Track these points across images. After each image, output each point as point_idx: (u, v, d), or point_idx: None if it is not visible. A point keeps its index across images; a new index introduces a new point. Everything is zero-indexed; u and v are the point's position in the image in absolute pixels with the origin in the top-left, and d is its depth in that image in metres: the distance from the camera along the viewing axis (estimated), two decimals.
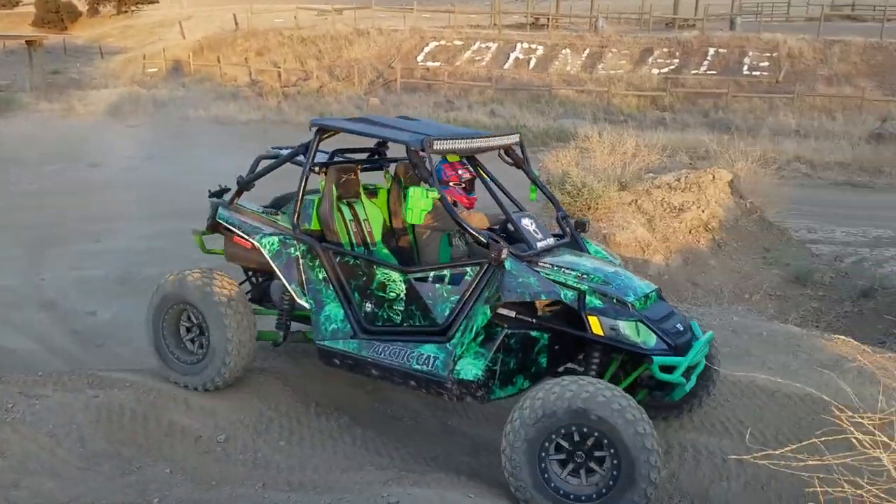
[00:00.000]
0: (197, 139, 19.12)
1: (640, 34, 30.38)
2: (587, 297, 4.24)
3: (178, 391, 5.24)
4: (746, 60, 26.67)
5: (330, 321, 4.83)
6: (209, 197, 5.60)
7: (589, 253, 4.99)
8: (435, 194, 4.30)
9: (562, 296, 4.23)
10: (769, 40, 27.29)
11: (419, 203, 4.26)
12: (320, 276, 4.85)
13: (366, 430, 5.22)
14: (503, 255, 4.23)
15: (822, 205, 13.99)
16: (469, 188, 5.51)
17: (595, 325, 4.18)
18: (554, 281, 4.30)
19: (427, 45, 30.99)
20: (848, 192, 16.04)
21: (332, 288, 4.83)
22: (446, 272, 4.48)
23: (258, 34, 34.12)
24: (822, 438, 3.05)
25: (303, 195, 4.96)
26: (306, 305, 4.90)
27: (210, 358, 5.07)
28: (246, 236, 5.12)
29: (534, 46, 29.82)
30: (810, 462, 2.96)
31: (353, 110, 25.15)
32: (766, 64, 26.24)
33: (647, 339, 4.18)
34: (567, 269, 4.39)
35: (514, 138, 5.13)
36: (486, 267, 4.32)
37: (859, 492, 2.67)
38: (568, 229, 5.08)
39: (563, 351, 4.61)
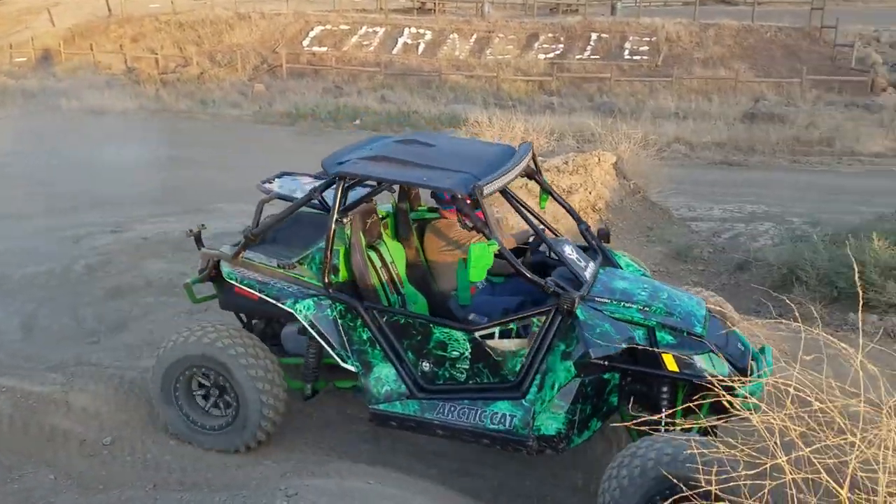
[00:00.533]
0: (71, 131, 18.19)
1: (526, 19, 30.85)
2: (658, 334, 4.07)
3: (57, 394, 5.00)
4: (627, 45, 27.52)
5: (381, 383, 4.49)
6: (188, 236, 5.13)
7: (621, 267, 4.86)
8: (495, 247, 4.12)
9: (637, 338, 4.05)
10: (648, 25, 28.26)
11: (483, 261, 4.05)
12: (364, 337, 4.47)
13: None
14: (576, 306, 4.05)
15: (700, 183, 14.63)
16: (475, 204, 5.14)
17: (670, 362, 3.98)
18: (620, 319, 4.11)
19: (312, 29, 30.43)
20: (724, 171, 16.82)
21: (379, 348, 4.46)
22: (512, 325, 4.24)
23: (133, 20, 32.58)
24: (697, 402, 3.22)
25: (331, 249, 4.47)
26: (352, 369, 4.53)
27: (244, 418, 4.61)
28: (274, 301, 4.60)
29: (422, 31, 29.79)
30: (687, 426, 3.13)
31: (237, 96, 24.49)
32: (646, 48, 27.16)
33: (722, 369, 4.00)
34: (626, 301, 4.21)
35: (529, 151, 4.84)
36: (552, 315, 4.14)
37: (733, 451, 2.84)
38: (594, 242, 4.94)
39: (628, 385, 4.40)
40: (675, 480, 3.19)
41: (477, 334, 4.28)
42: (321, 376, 4.84)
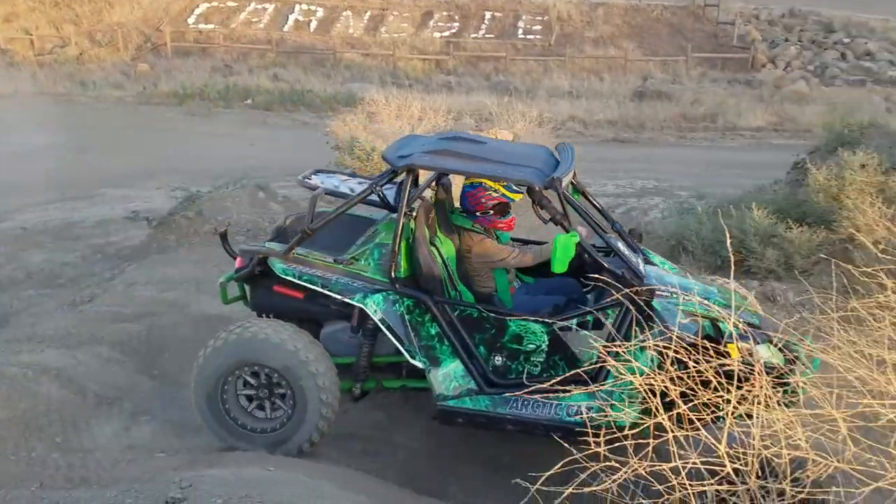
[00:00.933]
0: None
1: None
2: (721, 325, 4.06)
3: None
4: (521, 24, 27.83)
5: (450, 379, 4.40)
6: (214, 234, 4.80)
7: (657, 265, 4.85)
8: (575, 238, 4.12)
9: (706, 329, 4.06)
10: (540, 4, 28.62)
11: (567, 252, 4.04)
12: (432, 332, 4.39)
13: (153, 417, 4.98)
14: (654, 296, 4.08)
15: (594, 160, 14.95)
16: (504, 211, 4.87)
17: (734, 351, 3.90)
18: (686, 311, 4.09)
19: (198, 6, 29.30)
20: (617, 148, 17.30)
21: (447, 343, 4.39)
22: (589, 317, 4.21)
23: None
24: (586, 368, 3.34)
25: (399, 244, 4.36)
26: (419, 365, 4.41)
27: (301, 416, 4.41)
28: (340, 297, 4.43)
29: (313, 8, 29.18)
30: (576, 392, 3.24)
31: (120, 77, 23.41)
32: (539, 28, 27.55)
33: (780, 358, 4.00)
34: (685, 294, 4.17)
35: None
36: (626, 307, 4.08)
37: (620, 414, 2.95)
38: (630, 240, 4.90)
39: None
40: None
41: (556, 326, 4.27)
42: (370, 376, 4.73)
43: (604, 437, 2.84)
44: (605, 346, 3.19)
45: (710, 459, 2.80)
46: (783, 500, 2.80)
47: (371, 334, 4.55)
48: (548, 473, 2.82)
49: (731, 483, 2.79)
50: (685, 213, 9.09)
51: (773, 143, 17.30)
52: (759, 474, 2.80)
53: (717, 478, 2.78)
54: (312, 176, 5.19)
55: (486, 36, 27.34)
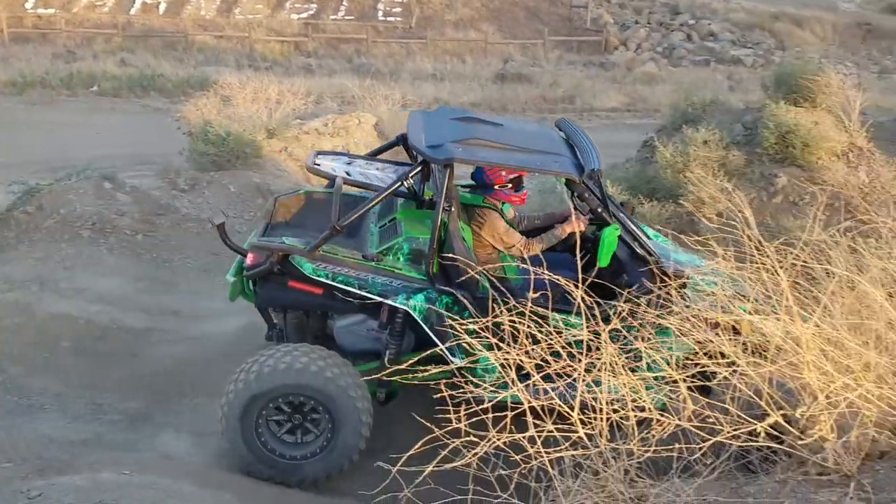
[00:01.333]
0: None
1: None
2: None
3: None
4: (380, 6, 27.65)
5: (488, 373, 4.19)
6: (211, 227, 4.57)
7: (652, 239, 4.82)
8: (618, 230, 4.16)
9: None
10: None
11: (613, 245, 4.08)
12: (469, 329, 4.11)
13: None
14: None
15: None
16: (519, 184, 4.77)
17: (746, 328, 3.98)
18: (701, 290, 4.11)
19: None
20: None
21: (483, 338, 4.13)
22: (625, 305, 4.05)
23: None
24: (446, 346, 3.39)
25: (438, 241, 4.24)
26: (457, 362, 4.22)
27: (340, 435, 4.26)
28: (380, 298, 4.28)
29: None
30: (433, 371, 3.30)
31: None
32: (399, 10, 27.48)
33: (781, 328, 4.10)
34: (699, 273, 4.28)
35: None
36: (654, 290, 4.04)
37: (478, 389, 3.02)
38: (634, 221, 4.80)
39: None
40: None
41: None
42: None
43: (464, 412, 2.89)
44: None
45: (563, 426, 2.91)
46: (632, 459, 2.95)
47: (398, 335, 4.45)
48: (407, 454, 2.84)
49: (584, 448, 2.92)
50: (547, 193, 9.36)
51: (626, 123, 18.03)
52: (610, 437, 2.94)
53: (570, 443, 2.89)
54: (318, 159, 4.99)
55: (346, 18, 27.00)
